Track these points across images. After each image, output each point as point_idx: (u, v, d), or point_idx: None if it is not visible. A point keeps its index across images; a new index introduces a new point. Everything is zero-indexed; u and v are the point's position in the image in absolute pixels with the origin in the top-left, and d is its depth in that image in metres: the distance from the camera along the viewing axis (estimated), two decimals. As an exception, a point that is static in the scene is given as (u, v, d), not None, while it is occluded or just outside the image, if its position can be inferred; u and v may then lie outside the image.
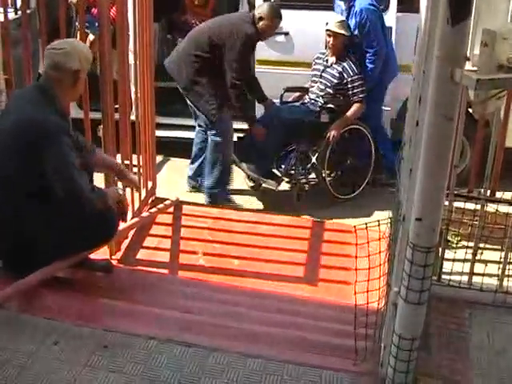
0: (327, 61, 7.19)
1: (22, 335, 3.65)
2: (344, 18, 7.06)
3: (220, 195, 6.97)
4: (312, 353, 3.68)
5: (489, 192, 4.48)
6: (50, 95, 4.22)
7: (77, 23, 6.93)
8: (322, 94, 7.16)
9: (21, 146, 4.08)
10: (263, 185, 7.22)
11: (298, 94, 7.53)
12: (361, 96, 7.08)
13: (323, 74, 7.17)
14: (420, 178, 2.60)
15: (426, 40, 2.74)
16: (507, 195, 4.78)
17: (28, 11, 5.86)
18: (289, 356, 3.56)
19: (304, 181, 7.24)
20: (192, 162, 7.35)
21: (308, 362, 3.49)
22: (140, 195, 5.96)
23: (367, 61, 7.13)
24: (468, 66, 2.57)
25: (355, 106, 7.08)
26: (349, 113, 7.07)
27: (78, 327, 3.77)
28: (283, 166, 7.14)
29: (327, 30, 7.02)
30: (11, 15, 5.83)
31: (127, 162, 5.74)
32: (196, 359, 3.48)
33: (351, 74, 7.02)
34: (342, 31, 6.96)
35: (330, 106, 7.15)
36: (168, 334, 3.74)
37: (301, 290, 5.27)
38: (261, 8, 6.78)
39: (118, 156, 5.58)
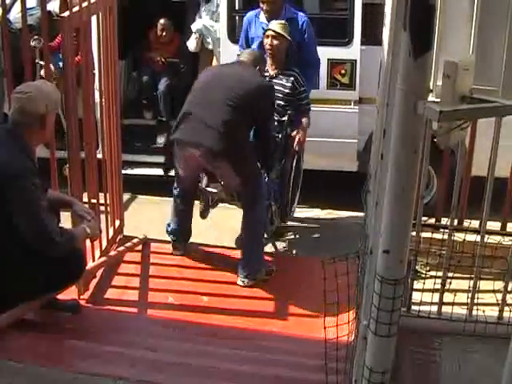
0: (267, 70, 6.58)
1: (-11, 379, 3.61)
2: (286, 23, 6.52)
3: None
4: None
5: (456, 221, 4.51)
6: (17, 138, 4.19)
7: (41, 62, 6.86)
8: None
9: None
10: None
11: None
12: (308, 107, 6.74)
13: None
14: (386, 210, 2.60)
15: (389, 72, 2.76)
16: (474, 224, 4.82)
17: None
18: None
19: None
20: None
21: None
22: (107, 233, 5.93)
23: (308, 77, 6.80)
24: (431, 97, 2.59)
25: (306, 117, 6.71)
26: (304, 122, 6.68)
27: (46, 369, 3.72)
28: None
29: (268, 30, 6.49)
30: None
31: (94, 200, 5.71)
32: (166, 399, 3.46)
33: (302, 83, 6.59)
34: (285, 34, 6.45)
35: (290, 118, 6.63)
36: (136, 374, 3.72)
37: (271, 325, 5.25)
38: (254, 56, 6.25)
39: (85, 195, 5.56)
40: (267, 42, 6.49)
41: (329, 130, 7.24)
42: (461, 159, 4.64)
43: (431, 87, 2.63)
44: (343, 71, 7.30)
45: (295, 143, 6.61)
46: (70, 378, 3.64)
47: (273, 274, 6.11)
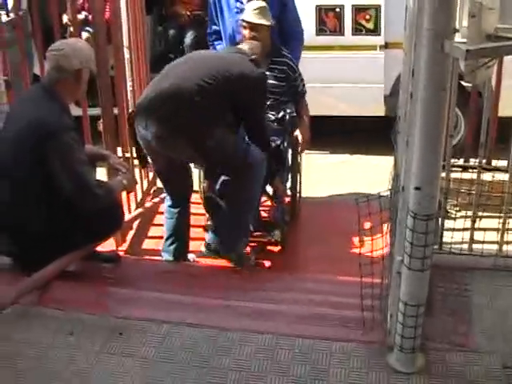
0: None
1: (38, 327, 3.72)
2: (264, 4, 5.46)
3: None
4: (321, 326, 3.75)
5: (484, 161, 4.57)
6: (53, 95, 4.29)
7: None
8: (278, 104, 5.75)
9: (30, 148, 4.12)
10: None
11: None
12: (304, 90, 5.93)
13: None
14: (417, 147, 2.69)
15: (416, 14, 2.82)
16: (502, 163, 4.89)
17: (20, 13, 5.93)
18: (299, 330, 3.64)
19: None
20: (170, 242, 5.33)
21: (318, 335, 3.56)
22: (141, 185, 6.05)
23: (292, 50, 5.91)
24: (457, 37, 2.66)
25: (305, 104, 6.00)
26: (306, 119, 5.96)
27: (91, 316, 3.83)
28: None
29: (243, 21, 5.44)
30: (3, 18, 5.88)
31: (128, 154, 5.82)
32: (208, 339, 3.56)
33: (295, 68, 5.76)
34: (263, 21, 5.39)
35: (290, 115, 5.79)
36: (179, 317, 3.81)
37: (306, 268, 5.35)
38: (253, 44, 5.20)
39: (119, 149, 5.66)
40: (245, 34, 5.44)
41: (355, 76, 7.28)
42: (487, 99, 4.69)
43: (457, 27, 2.69)
44: (368, 17, 7.30)
45: (300, 144, 5.90)
46: (115, 323, 3.74)
47: (250, 262, 5.45)
